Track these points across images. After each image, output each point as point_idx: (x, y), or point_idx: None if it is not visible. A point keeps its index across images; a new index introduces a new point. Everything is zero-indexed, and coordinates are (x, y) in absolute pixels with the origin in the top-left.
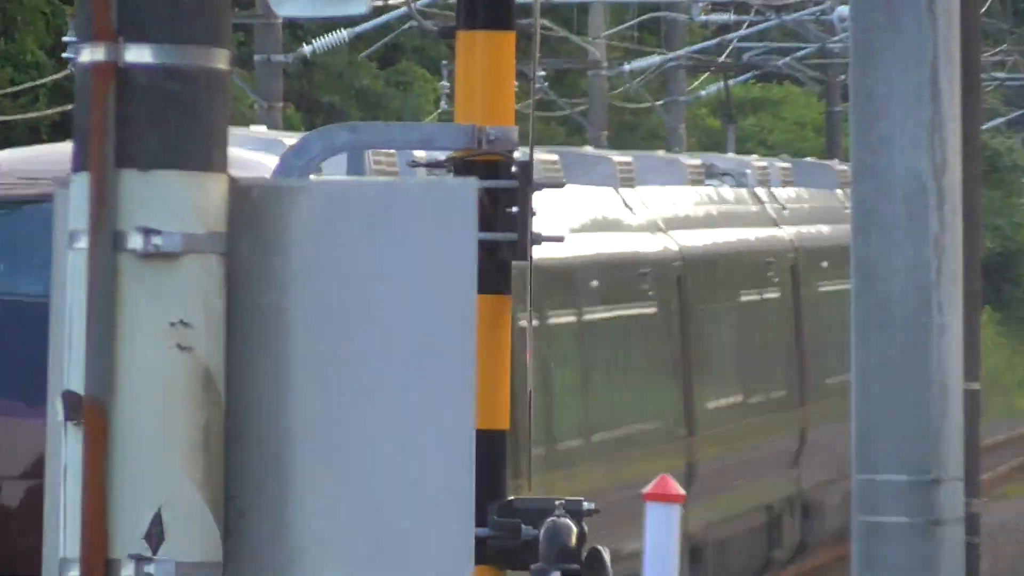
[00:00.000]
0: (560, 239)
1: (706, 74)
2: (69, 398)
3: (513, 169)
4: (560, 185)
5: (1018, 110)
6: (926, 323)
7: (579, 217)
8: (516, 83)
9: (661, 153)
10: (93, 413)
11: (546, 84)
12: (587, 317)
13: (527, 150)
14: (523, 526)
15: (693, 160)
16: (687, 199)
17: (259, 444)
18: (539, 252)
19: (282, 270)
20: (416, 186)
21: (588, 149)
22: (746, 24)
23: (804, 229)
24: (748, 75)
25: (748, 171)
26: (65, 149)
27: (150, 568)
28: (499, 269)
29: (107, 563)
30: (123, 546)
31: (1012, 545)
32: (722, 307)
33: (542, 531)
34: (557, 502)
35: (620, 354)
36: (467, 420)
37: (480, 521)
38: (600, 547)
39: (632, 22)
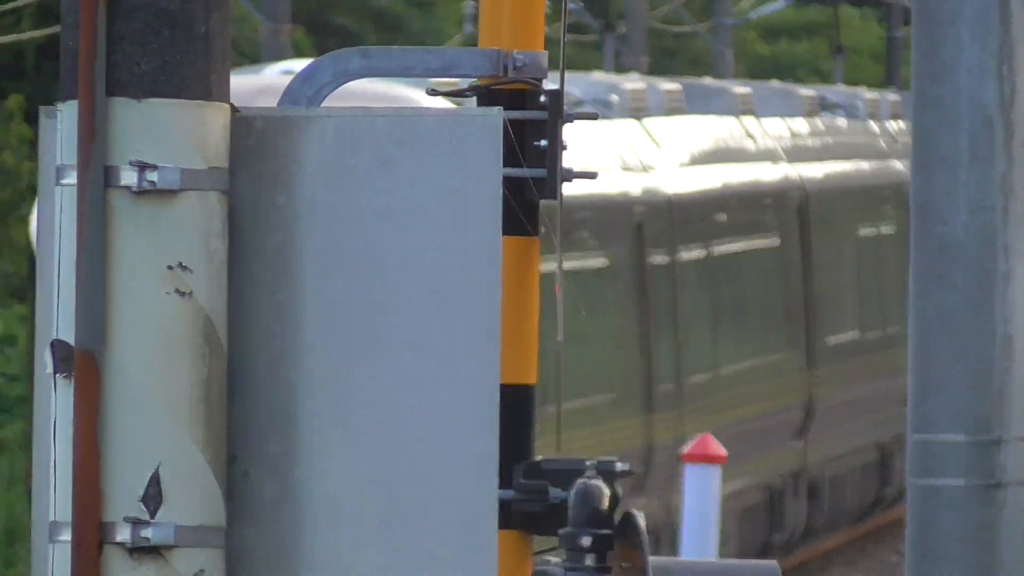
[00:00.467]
0: (593, 175)
1: None
2: (58, 349)
3: (542, 99)
4: (594, 117)
5: None
6: (990, 269)
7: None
8: (547, 3)
9: (776, 83)
10: (84, 365)
11: (580, 5)
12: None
13: (558, 77)
14: (551, 488)
15: (808, 91)
16: (806, 130)
17: (264, 399)
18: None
19: (288, 209)
20: (435, 117)
21: (708, 80)
22: None
23: None
24: None
25: (859, 103)
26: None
27: (147, 532)
28: (526, 208)
29: (101, 526)
30: (118, 508)
31: None
32: (843, 241)
33: (571, 494)
34: (588, 463)
35: (747, 287)
36: (491, 374)
37: (505, 483)
38: (634, 511)
39: None
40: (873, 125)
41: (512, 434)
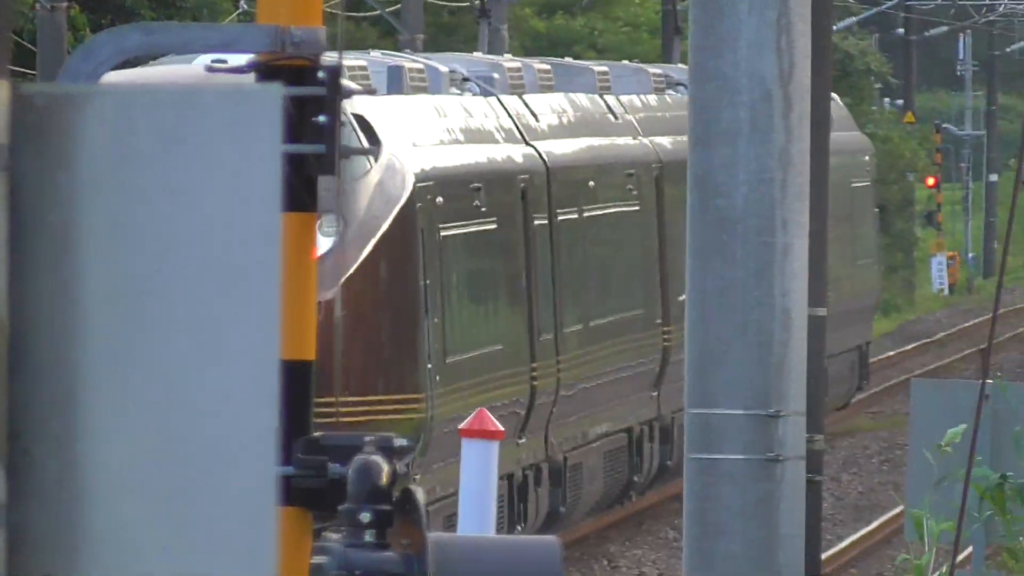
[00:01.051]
0: (375, 152)
1: None
2: None
3: (320, 75)
4: (372, 92)
5: (871, 8)
6: (769, 243)
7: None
8: None
9: (627, 63)
10: None
11: None
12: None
13: (335, 54)
14: (330, 464)
15: (655, 70)
16: (657, 106)
17: (46, 377)
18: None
19: (69, 186)
20: (214, 92)
21: (569, 60)
22: None
23: None
24: None
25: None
26: (163, 72)
27: None
28: (305, 184)
29: None
30: None
31: (856, 483)
32: None
33: (350, 469)
34: (367, 438)
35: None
36: (271, 350)
37: (286, 459)
38: (413, 487)
39: None
40: None
41: (292, 410)
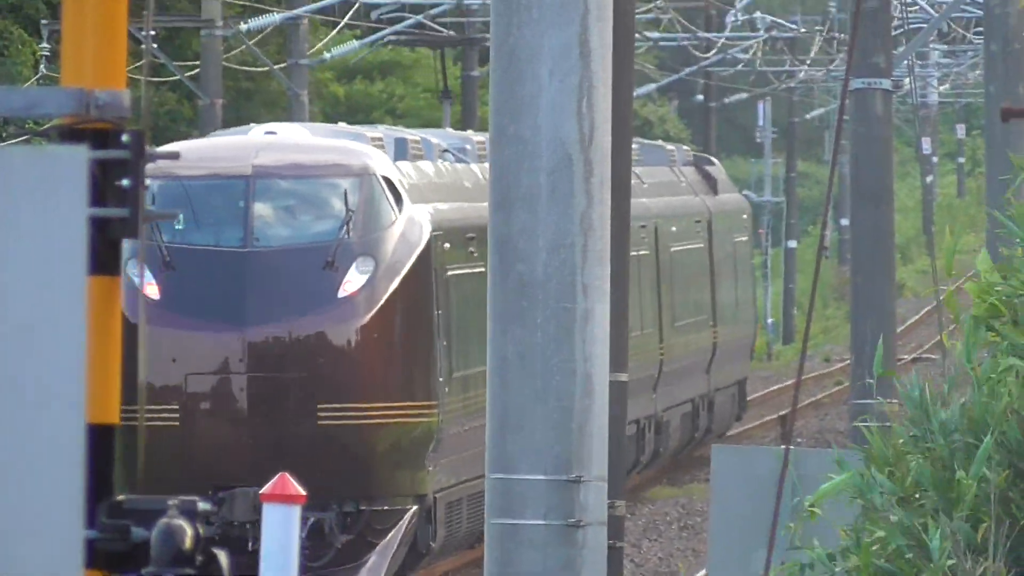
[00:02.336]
0: (174, 216)
1: (331, 35)
2: None
3: (124, 138)
4: (176, 155)
5: (672, 75)
6: (570, 308)
7: None
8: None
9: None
10: None
11: (155, 46)
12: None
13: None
14: (133, 528)
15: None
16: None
17: None
18: None
19: None
20: (20, 154)
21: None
22: None
23: None
24: (379, 35)
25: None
26: (226, 142)
27: None
28: (110, 248)
29: None
30: None
31: (656, 549)
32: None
33: (153, 533)
34: (171, 502)
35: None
36: (77, 413)
37: (91, 522)
38: (218, 550)
39: None
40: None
41: (97, 472)
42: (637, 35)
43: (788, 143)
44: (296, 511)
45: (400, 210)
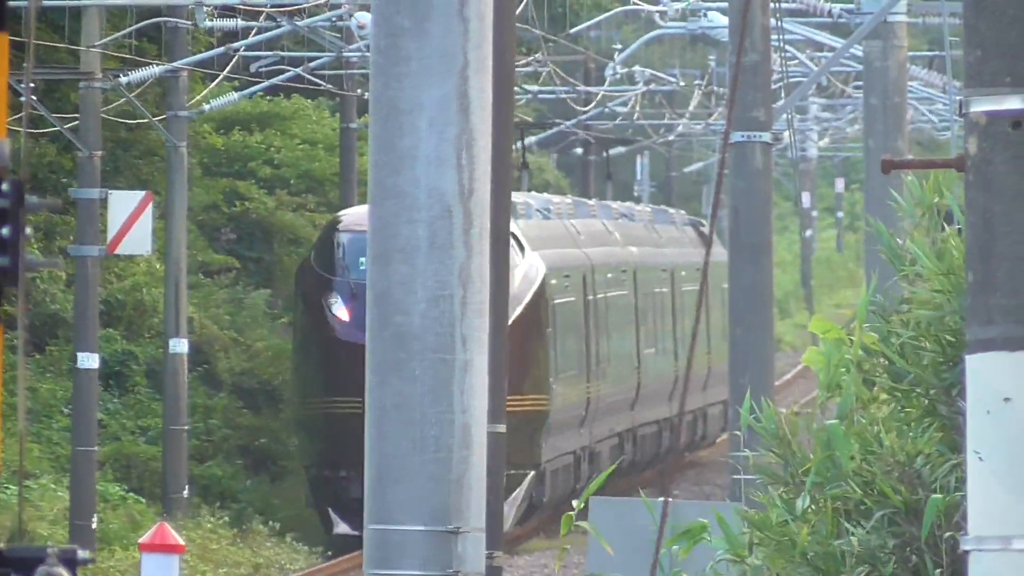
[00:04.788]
0: (56, 264)
1: (211, 87)
2: None
3: (4, 187)
4: (57, 204)
5: (552, 126)
6: (448, 359)
7: None
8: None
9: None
10: None
11: (34, 97)
12: None
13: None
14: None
15: (615, 204)
16: (598, 227)
17: None
18: None
19: None
20: None
21: (578, 199)
22: (255, 31)
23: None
24: (258, 87)
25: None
26: None
27: None
28: None
29: None
30: None
31: None
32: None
33: None
34: (50, 550)
35: None
36: None
37: None
38: None
39: (130, 29)
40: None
41: None
42: (516, 88)
43: (666, 196)
44: (175, 560)
45: (523, 256)
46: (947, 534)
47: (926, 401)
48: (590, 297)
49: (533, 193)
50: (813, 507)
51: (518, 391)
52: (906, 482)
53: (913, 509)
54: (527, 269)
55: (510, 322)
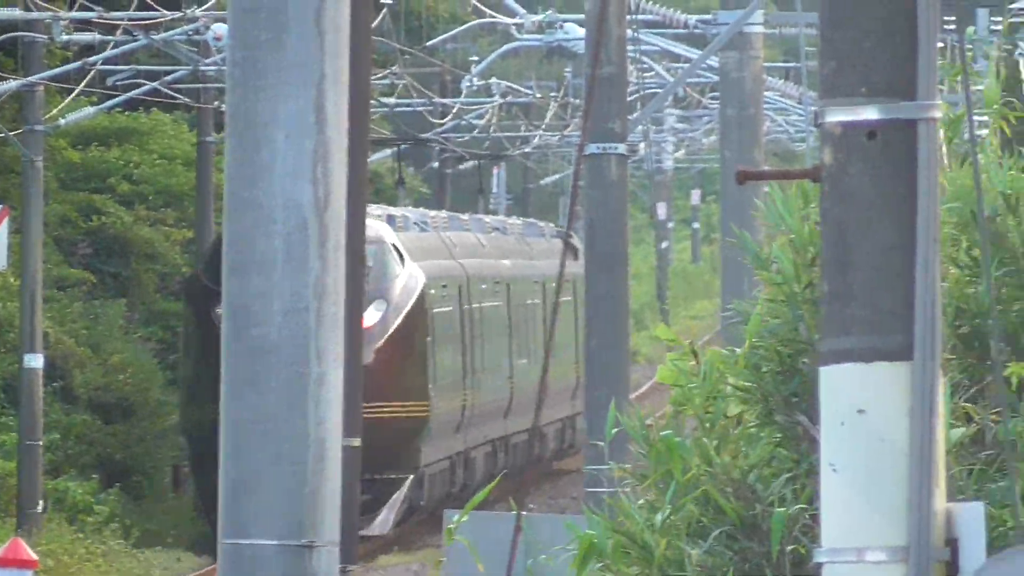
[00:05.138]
0: None
1: (67, 101)
2: None
3: None
4: None
5: (409, 139)
6: (304, 372)
7: None
8: None
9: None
10: None
11: None
12: None
13: None
14: None
15: (488, 219)
16: (473, 240)
17: None
18: None
19: None
20: None
21: (454, 214)
22: (111, 45)
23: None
24: (114, 101)
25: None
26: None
27: None
28: None
29: None
30: None
31: None
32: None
33: None
34: None
35: None
36: None
37: None
38: None
39: None
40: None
41: None
42: (373, 101)
43: (523, 208)
44: None
45: (403, 266)
46: (789, 547)
47: (764, 411)
48: (466, 307)
49: (411, 208)
50: (670, 520)
51: (399, 397)
52: (741, 497)
53: (750, 524)
54: (407, 279)
55: (392, 329)
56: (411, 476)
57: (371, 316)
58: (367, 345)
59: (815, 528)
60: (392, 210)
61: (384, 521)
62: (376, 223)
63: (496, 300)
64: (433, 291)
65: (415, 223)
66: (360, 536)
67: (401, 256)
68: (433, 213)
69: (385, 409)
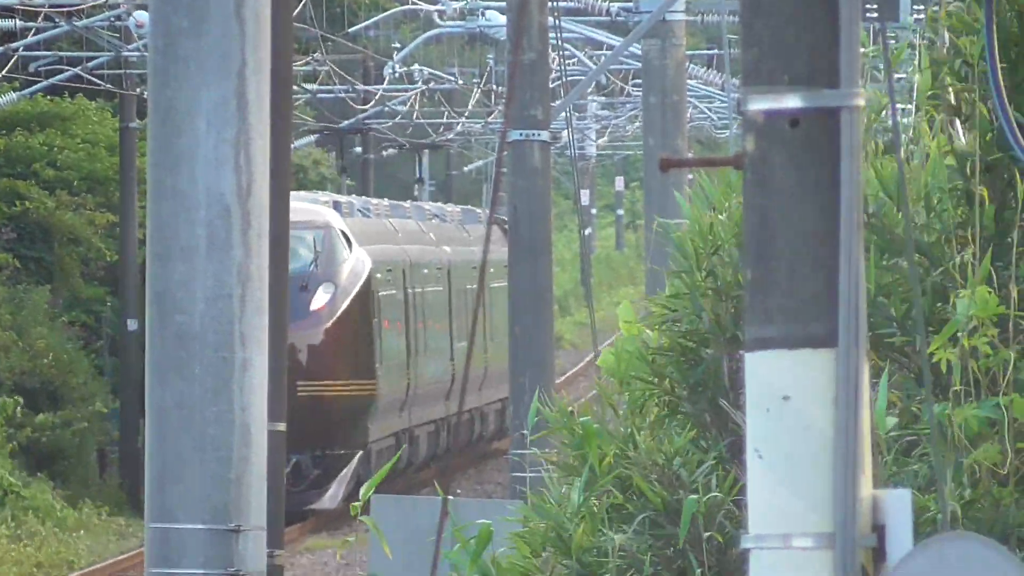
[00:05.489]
0: None
1: None
2: None
3: None
4: None
5: (331, 124)
6: (228, 358)
7: None
8: None
9: (403, 202)
10: None
11: None
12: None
13: None
14: None
15: (427, 205)
16: (413, 227)
17: None
18: None
19: None
20: None
21: (395, 201)
22: (33, 31)
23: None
24: (37, 87)
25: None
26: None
27: None
28: None
29: None
30: None
31: None
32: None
33: None
34: None
35: None
36: None
37: None
38: None
39: None
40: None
41: None
42: (295, 87)
43: (446, 195)
44: None
45: (351, 251)
46: (708, 534)
47: (669, 400)
48: (410, 291)
49: (355, 196)
50: (588, 505)
51: (347, 376)
52: (665, 483)
53: (674, 510)
54: (355, 263)
55: (340, 311)
56: (359, 452)
57: (320, 298)
58: (316, 326)
59: (739, 514)
60: (338, 197)
61: (334, 496)
62: (324, 209)
63: (438, 285)
64: (379, 275)
65: (359, 210)
66: (310, 510)
67: (349, 241)
68: (375, 201)
69: (334, 387)
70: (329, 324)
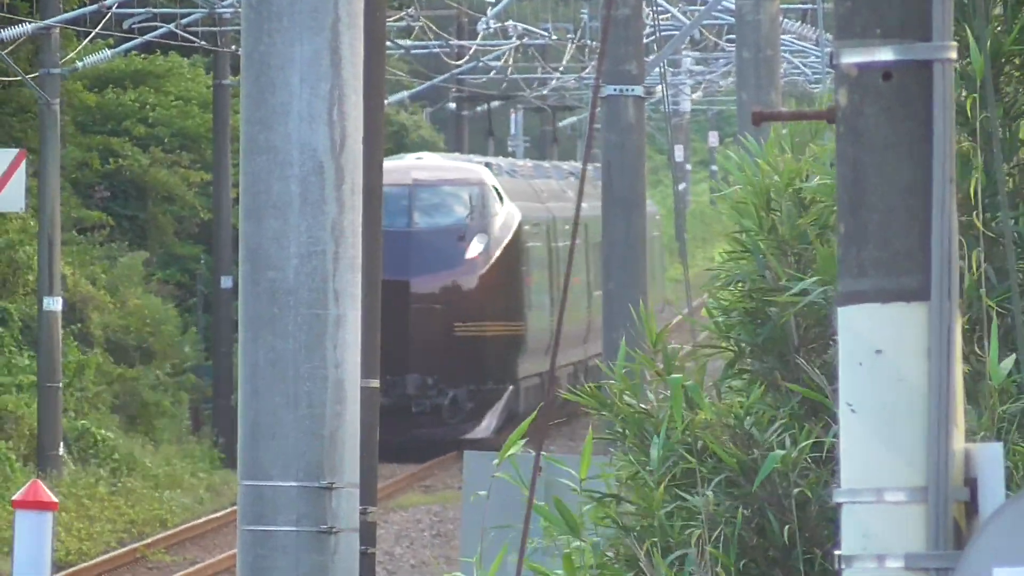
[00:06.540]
0: None
1: (84, 43)
2: None
3: None
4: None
5: (425, 82)
6: (321, 314)
7: None
8: None
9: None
10: None
11: None
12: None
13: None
14: None
15: (565, 166)
16: (557, 186)
17: None
18: None
19: None
20: None
21: (537, 162)
22: None
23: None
24: (130, 44)
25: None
26: (391, 165)
27: None
28: None
29: None
30: None
31: (409, 556)
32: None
33: None
34: None
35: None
36: None
37: None
38: None
39: None
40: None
41: None
42: (389, 43)
43: (541, 152)
44: (48, 517)
45: (502, 205)
46: (796, 491)
47: (734, 359)
48: (552, 245)
49: (502, 158)
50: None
51: (499, 318)
52: (739, 444)
53: (751, 469)
54: (505, 217)
55: (493, 259)
56: (510, 387)
57: (475, 247)
58: (472, 273)
59: (815, 471)
60: (489, 159)
61: (487, 427)
62: (479, 167)
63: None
64: (527, 228)
65: (506, 171)
66: (466, 439)
67: (500, 197)
68: (520, 162)
69: (488, 328)
70: (483, 271)
